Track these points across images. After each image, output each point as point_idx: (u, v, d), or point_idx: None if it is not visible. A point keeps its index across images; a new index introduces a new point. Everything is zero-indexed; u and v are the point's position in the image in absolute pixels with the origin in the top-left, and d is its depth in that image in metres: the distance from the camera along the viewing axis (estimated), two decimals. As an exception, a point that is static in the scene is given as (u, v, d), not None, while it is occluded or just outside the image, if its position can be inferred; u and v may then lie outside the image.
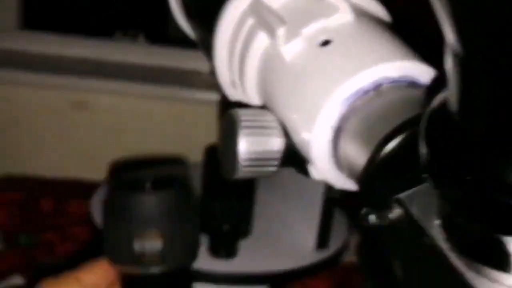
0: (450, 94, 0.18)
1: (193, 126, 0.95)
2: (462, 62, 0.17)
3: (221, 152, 0.34)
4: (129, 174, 0.39)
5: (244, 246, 0.60)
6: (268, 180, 0.73)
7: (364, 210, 0.24)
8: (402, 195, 0.22)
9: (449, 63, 0.18)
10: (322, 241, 0.64)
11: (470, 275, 0.19)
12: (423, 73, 0.29)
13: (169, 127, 0.98)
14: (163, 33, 1.39)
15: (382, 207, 0.24)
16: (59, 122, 0.96)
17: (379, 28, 0.32)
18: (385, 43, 0.30)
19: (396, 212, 0.23)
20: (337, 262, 0.67)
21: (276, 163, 0.32)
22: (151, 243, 0.36)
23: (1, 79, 0.95)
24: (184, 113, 0.97)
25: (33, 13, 1.11)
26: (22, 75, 0.95)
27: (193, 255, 0.39)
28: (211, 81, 1.01)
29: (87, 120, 0.95)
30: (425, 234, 0.21)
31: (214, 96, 0.94)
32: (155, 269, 0.36)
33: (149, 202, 0.36)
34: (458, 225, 0.20)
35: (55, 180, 0.91)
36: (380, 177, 0.25)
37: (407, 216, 0.22)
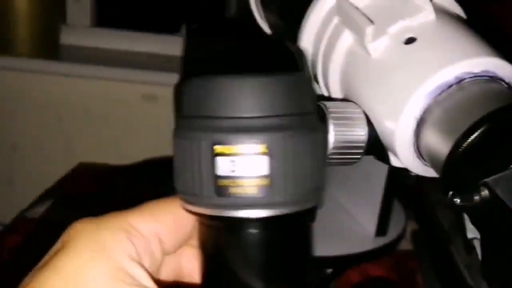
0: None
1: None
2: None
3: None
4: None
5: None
6: (332, 172, 0.75)
7: (450, 194, 0.27)
8: (489, 179, 0.25)
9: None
10: (382, 229, 0.66)
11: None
12: (502, 68, 0.31)
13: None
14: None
15: (466, 191, 0.27)
16: (129, 114, 1.02)
17: (459, 26, 0.34)
18: (466, 40, 0.32)
19: (481, 195, 0.26)
20: (394, 249, 0.69)
21: (361, 151, 0.35)
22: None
23: (77, 73, 1.01)
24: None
25: (106, 12, 1.17)
26: (96, 69, 1.01)
27: (318, 195, 0.29)
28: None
29: (156, 111, 1.00)
30: (510, 212, 0.23)
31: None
32: (254, 211, 0.25)
33: (249, 92, 0.26)
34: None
35: (126, 167, 0.96)
36: (464, 165, 0.28)
37: (494, 197, 0.24)
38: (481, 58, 0.31)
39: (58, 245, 0.24)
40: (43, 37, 1.04)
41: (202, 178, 0.25)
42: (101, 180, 0.90)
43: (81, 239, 0.24)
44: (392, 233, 0.67)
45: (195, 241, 0.28)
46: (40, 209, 0.80)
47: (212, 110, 0.26)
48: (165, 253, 0.26)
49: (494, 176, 0.25)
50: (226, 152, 0.25)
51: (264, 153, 0.25)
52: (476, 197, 0.26)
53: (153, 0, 1.23)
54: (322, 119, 0.34)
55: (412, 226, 0.78)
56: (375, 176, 0.66)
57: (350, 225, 0.68)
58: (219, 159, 0.25)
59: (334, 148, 0.34)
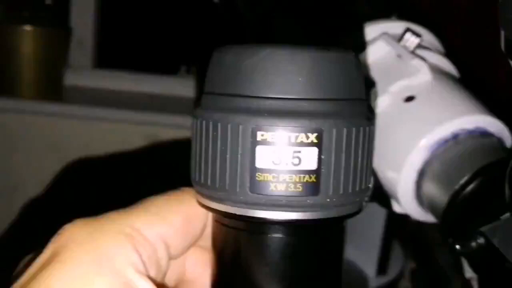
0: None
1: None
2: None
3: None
4: None
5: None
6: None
7: (450, 241, 0.30)
8: (484, 228, 0.28)
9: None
10: (382, 268, 0.69)
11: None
12: (492, 124, 0.35)
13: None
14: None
15: (463, 239, 0.30)
16: (132, 154, 1.05)
17: (454, 84, 0.38)
18: (460, 99, 0.36)
19: (477, 242, 0.29)
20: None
21: (367, 199, 0.38)
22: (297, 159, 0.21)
23: (79, 115, 1.04)
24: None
25: (107, 54, 1.21)
26: (98, 111, 1.04)
27: (361, 201, 0.25)
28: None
29: (158, 151, 1.03)
30: (506, 260, 0.26)
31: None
32: (293, 213, 0.21)
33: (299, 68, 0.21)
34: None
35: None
36: (461, 213, 0.31)
37: (489, 245, 0.27)
38: (474, 115, 0.34)
39: (46, 254, 0.19)
40: (47, 80, 1.07)
41: (236, 170, 0.20)
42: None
43: (76, 247, 0.18)
44: (392, 272, 0.69)
45: (204, 242, 0.23)
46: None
47: (251, 88, 0.20)
48: (171, 258, 0.22)
49: (488, 225, 0.28)
50: (269, 140, 0.20)
51: (314, 144, 0.20)
52: (473, 244, 0.29)
53: (152, 42, 1.27)
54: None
55: (411, 265, 0.80)
56: (374, 219, 0.69)
57: (350, 265, 0.71)
58: (259, 149, 0.20)
59: (342, 196, 0.37)
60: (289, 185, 0.20)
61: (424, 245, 0.72)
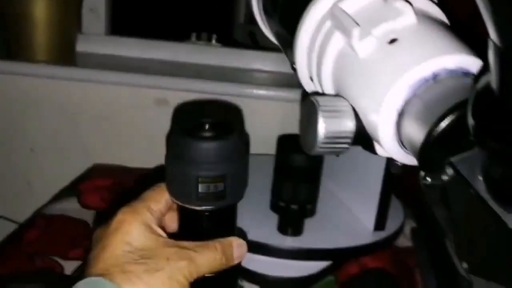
0: (492, 78, 0.24)
1: (260, 120, 1.03)
2: (501, 54, 0.23)
3: (301, 132, 0.41)
4: (191, 118, 0.41)
5: (309, 225, 0.67)
6: (331, 166, 0.79)
7: (421, 174, 0.30)
8: (453, 159, 0.28)
9: (491, 55, 0.23)
10: (380, 223, 0.69)
11: (507, 218, 0.25)
12: (475, 64, 0.35)
13: (245, 120, 1.06)
14: (229, 35, 1.49)
15: (437, 171, 0.30)
16: (143, 117, 1.06)
17: (438, 27, 0.37)
18: (442, 40, 0.36)
19: (449, 174, 0.29)
20: (391, 243, 0.72)
21: (349, 141, 0.38)
22: (215, 186, 0.40)
23: (91, 79, 1.05)
24: (253, 108, 1.04)
25: (119, 21, 1.22)
26: (110, 75, 1.06)
27: (242, 194, 0.42)
28: (275, 79, 1.08)
29: (168, 115, 1.04)
30: (471, 187, 0.26)
31: (279, 93, 1.01)
32: (211, 206, 0.40)
33: (215, 150, 0.39)
34: (498, 178, 0.25)
35: (137, 169, 1.00)
36: (436, 148, 0.31)
37: (458, 174, 0.28)
38: (456, 55, 0.34)
39: (113, 224, 0.41)
40: (60, 45, 1.09)
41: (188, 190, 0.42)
42: (115, 179, 0.94)
43: (125, 220, 0.41)
44: (390, 228, 0.70)
45: (173, 209, 0.45)
46: (57, 206, 0.85)
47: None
48: (161, 216, 0.44)
49: (457, 156, 0.28)
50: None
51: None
52: (444, 177, 0.29)
53: (164, 9, 1.27)
54: (313, 110, 0.37)
55: (412, 224, 0.81)
56: (373, 173, 0.69)
57: (349, 220, 0.72)
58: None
59: (324, 137, 0.37)
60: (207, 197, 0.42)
61: (423, 204, 0.73)
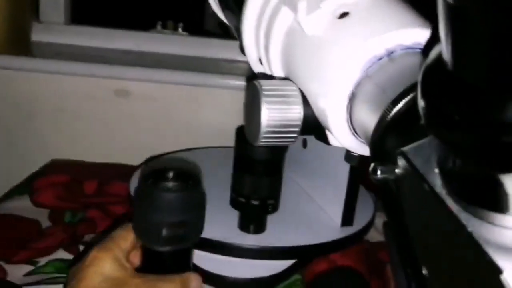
0: (443, 47, 0.20)
1: (228, 110, 0.98)
2: (451, 10, 0.18)
3: (246, 121, 0.36)
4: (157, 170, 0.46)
5: (272, 221, 0.62)
6: (296, 158, 0.74)
7: (372, 165, 0.26)
8: (406, 148, 0.24)
9: (440, 15, 0.19)
10: (347, 218, 0.65)
11: (463, 216, 0.21)
12: (437, 42, 0.31)
13: (206, 112, 1.02)
14: (200, 24, 1.44)
15: (390, 162, 0.26)
16: (102, 109, 1.01)
17: (395, 1, 0.33)
18: (398, 13, 0.32)
19: (401, 166, 0.25)
20: (361, 239, 0.68)
21: (296, 130, 0.34)
22: (176, 230, 0.45)
23: (50, 69, 1.00)
24: (220, 99, 1.00)
25: (79, 9, 1.16)
26: (69, 65, 1.00)
27: (199, 236, 0.48)
28: (244, 69, 1.03)
29: (129, 107, 0.99)
30: (425, 182, 0.22)
31: (243, 83, 0.97)
32: (171, 247, 0.46)
33: (178, 200, 0.45)
34: (455, 170, 0.21)
35: (97, 165, 0.95)
36: (389, 135, 0.27)
37: (410, 166, 0.23)
38: (412, 29, 0.30)
39: (87, 260, 0.45)
40: (15, 34, 1.02)
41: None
42: (72, 175, 0.89)
43: (96, 258, 0.45)
44: (360, 223, 0.66)
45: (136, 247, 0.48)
46: (7, 205, 0.79)
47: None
48: (128, 253, 0.47)
49: (411, 145, 0.24)
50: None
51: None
52: (397, 169, 0.25)
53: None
54: (255, 96, 0.33)
55: (384, 217, 0.77)
56: (340, 163, 0.65)
57: (315, 215, 0.67)
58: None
59: (267, 126, 0.33)
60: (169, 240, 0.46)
61: (396, 196, 0.69)
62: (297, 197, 0.70)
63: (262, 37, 0.39)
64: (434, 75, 0.20)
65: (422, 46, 0.30)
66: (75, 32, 1.12)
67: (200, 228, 0.47)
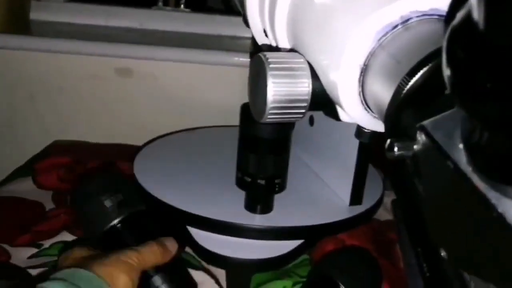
0: (472, 6, 0.18)
1: (233, 88, 0.96)
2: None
3: (250, 96, 0.34)
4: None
5: (280, 201, 0.61)
6: (303, 136, 0.72)
7: (388, 142, 0.24)
8: (425, 122, 0.22)
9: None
10: (356, 197, 0.64)
11: (492, 195, 0.19)
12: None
13: (210, 90, 0.99)
14: (203, 0, 1.41)
15: (407, 138, 0.24)
16: (104, 89, 0.99)
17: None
18: (415, -22, 0.29)
19: (420, 141, 0.23)
20: (370, 218, 0.67)
21: (305, 105, 0.32)
22: (116, 197, 0.50)
23: (49, 48, 0.97)
24: (224, 76, 0.98)
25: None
26: (69, 43, 0.98)
27: (140, 202, 0.52)
28: (248, 45, 1.01)
29: (131, 86, 0.97)
30: (449, 158, 0.20)
31: (247, 59, 0.94)
32: (124, 215, 0.49)
33: (104, 180, 0.51)
34: (483, 145, 0.19)
35: (100, 145, 0.93)
36: (406, 109, 0.25)
37: (431, 141, 0.21)
38: (429, -6, 0.28)
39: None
40: (13, 13, 1.00)
41: None
42: (74, 156, 0.87)
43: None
44: (368, 201, 0.64)
45: None
46: (9, 187, 0.78)
47: None
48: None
49: (431, 119, 0.22)
50: None
51: None
52: (416, 145, 0.23)
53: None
54: (261, 69, 0.31)
55: (393, 196, 0.75)
56: (349, 141, 0.63)
57: (323, 195, 0.66)
58: None
59: (273, 102, 0.31)
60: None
61: (403, 173, 0.67)
62: (305, 176, 0.68)
63: (267, 7, 0.36)
64: (462, 39, 0.18)
65: (440, 13, 0.28)
66: (74, 10, 1.09)
67: (135, 195, 0.51)
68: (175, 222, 0.60)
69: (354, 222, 0.62)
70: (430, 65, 0.25)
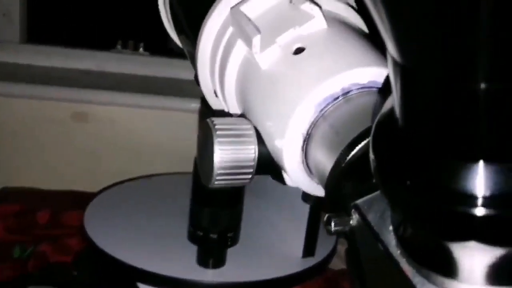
0: (394, 101, 0.18)
1: (192, 134, 0.96)
2: (403, 72, 0.17)
3: (199, 161, 0.34)
4: None
5: (232, 254, 0.60)
6: (256, 188, 0.73)
7: (326, 217, 0.24)
8: (359, 201, 0.22)
9: (391, 72, 0.18)
10: (309, 249, 0.64)
11: (417, 280, 0.19)
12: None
13: (168, 136, 0.99)
14: (163, 44, 1.41)
15: (345, 214, 0.24)
16: (59, 134, 0.97)
17: (352, 35, 0.32)
18: (355, 50, 0.30)
19: (355, 219, 0.23)
20: (324, 270, 0.67)
21: (251, 171, 0.32)
22: None
23: (3, 91, 0.96)
24: (184, 122, 0.97)
25: (36, 28, 1.13)
26: (23, 87, 0.96)
27: None
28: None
29: (87, 131, 0.96)
30: (379, 240, 0.21)
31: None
32: None
33: None
34: (408, 231, 0.20)
35: (51, 192, 0.91)
36: (345, 181, 0.26)
37: (364, 221, 0.22)
38: (369, 68, 0.29)
39: None
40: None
41: None
42: (24, 204, 0.85)
43: None
44: (321, 253, 0.64)
45: None
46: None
47: None
48: None
49: (366, 197, 0.22)
50: None
51: None
52: (352, 222, 0.23)
53: (87, 15, 1.19)
54: (208, 136, 0.32)
55: (345, 244, 0.76)
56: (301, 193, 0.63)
57: (276, 247, 0.65)
58: None
59: (219, 168, 0.31)
60: None
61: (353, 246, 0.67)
62: (259, 227, 0.68)
63: (217, 70, 0.37)
64: (385, 132, 0.19)
65: (378, 85, 0.29)
66: (31, 51, 1.08)
67: None
68: (125, 278, 0.59)
69: (307, 275, 0.62)
70: (367, 140, 0.25)
